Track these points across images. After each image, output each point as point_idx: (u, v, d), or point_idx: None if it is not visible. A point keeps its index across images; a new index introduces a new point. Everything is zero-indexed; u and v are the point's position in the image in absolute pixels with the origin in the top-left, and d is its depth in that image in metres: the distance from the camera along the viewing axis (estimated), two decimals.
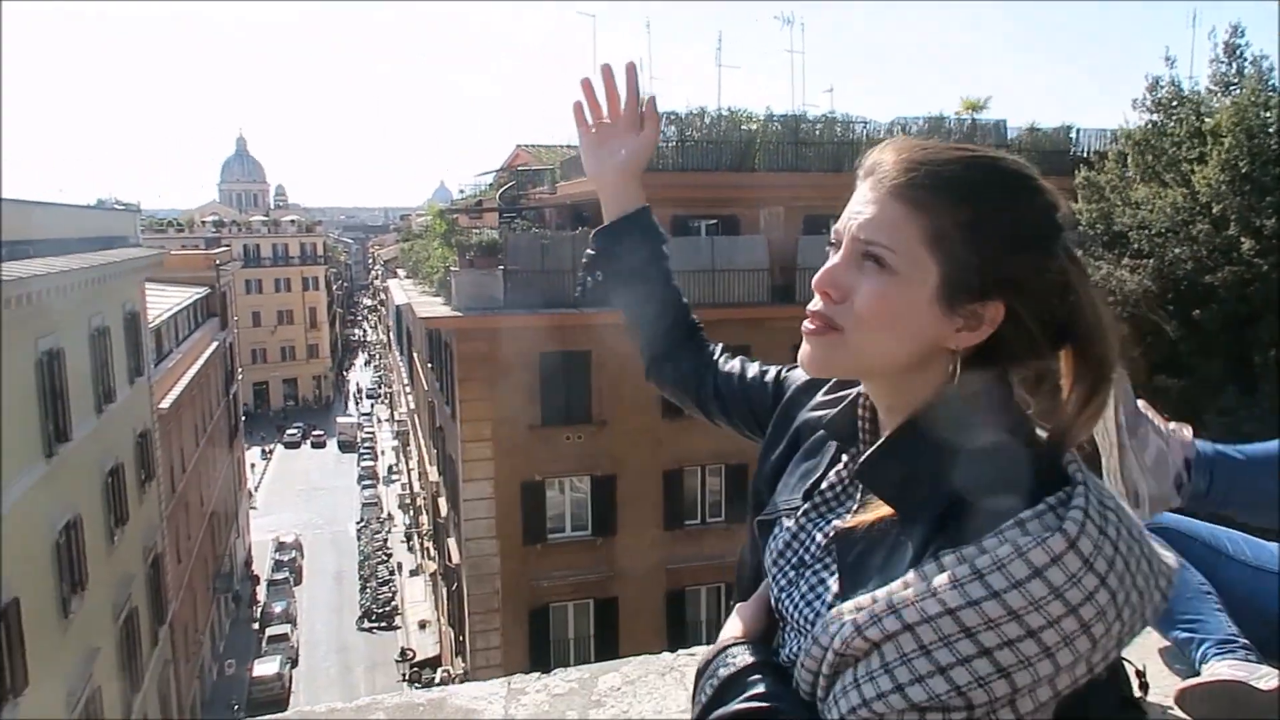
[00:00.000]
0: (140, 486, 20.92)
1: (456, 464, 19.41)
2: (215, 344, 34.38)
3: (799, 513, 1.06)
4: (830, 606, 0.93)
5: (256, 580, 42.18)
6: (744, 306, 19.85)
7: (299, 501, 54.83)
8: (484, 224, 24.05)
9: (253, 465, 56.01)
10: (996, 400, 0.93)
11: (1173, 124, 16.86)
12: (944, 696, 0.80)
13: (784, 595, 1.02)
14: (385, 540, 46.97)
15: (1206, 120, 16.15)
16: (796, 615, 0.99)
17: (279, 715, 1.96)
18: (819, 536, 1.02)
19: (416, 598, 36.44)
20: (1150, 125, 17.47)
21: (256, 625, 37.39)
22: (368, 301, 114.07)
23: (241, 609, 38.35)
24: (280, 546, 45.48)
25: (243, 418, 47.41)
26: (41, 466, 14.34)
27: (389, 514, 50.92)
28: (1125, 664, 2.21)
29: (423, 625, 33.47)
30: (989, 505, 0.85)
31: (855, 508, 1.01)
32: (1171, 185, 16.45)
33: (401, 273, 33.98)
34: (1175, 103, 17.04)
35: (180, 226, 69.44)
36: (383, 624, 37.80)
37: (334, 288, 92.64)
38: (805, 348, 0.98)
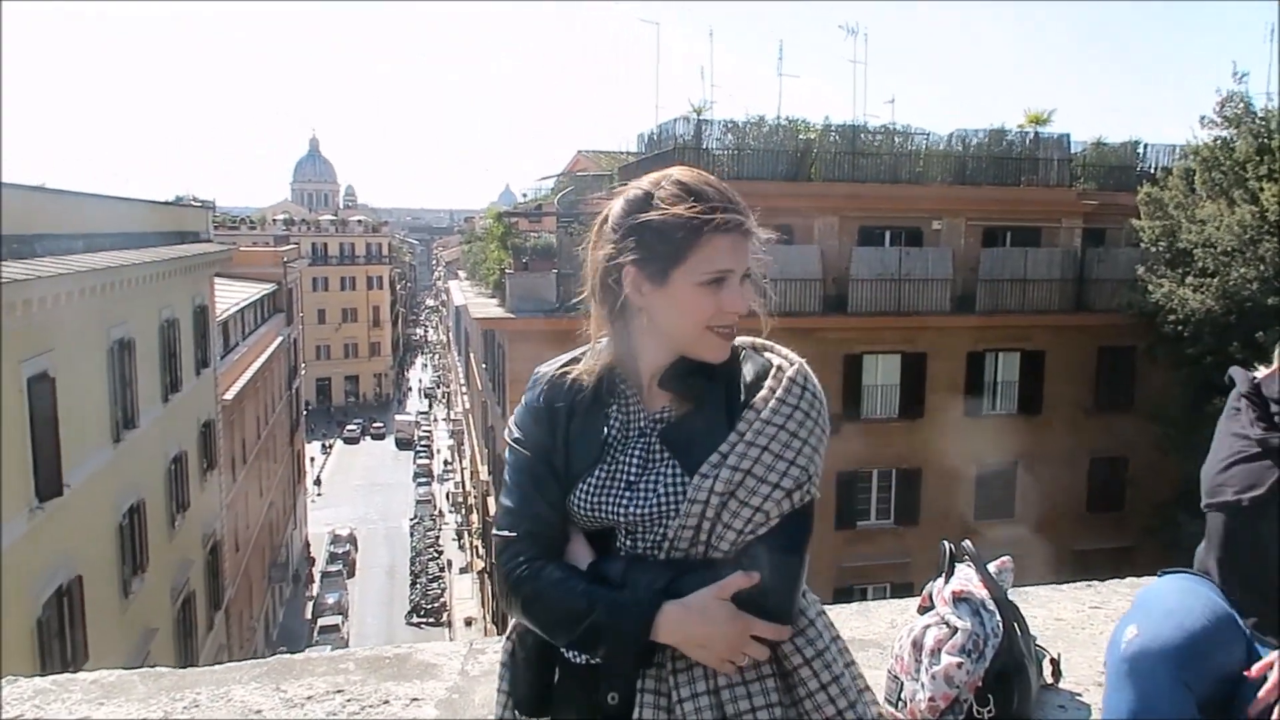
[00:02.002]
0: (202, 475, 21.59)
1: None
2: (280, 339, 35.27)
3: (606, 455, 1.41)
4: (682, 481, 1.34)
5: (311, 572, 43.11)
6: (796, 316, 19.81)
7: (356, 496, 55.90)
8: (543, 228, 24.37)
9: (312, 459, 57.25)
10: None
11: (1242, 140, 16.43)
12: (799, 477, 1.32)
13: (627, 509, 1.36)
14: (437, 537, 47.67)
15: (1277, 137, 15.72)
16: (647, 513, 1.35)
17: (260, 659, 2.11)
18: (632, 462, 1.40)
19: (464, 595, 36.94)
20: (1219, 141, 17.05)
21: (309, 615, 38.24)
22: (430, 302, 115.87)
23: (295, 598, 39.24)
24: (336, 539, 46.44)
25: (304, 412, 48.50)
26: (109, 451, 14.93)
27: (441, 511, 51.65)
28: (1041, 651, 2.30)
29: (469, 623, 33.91)
30: (746, 374, 1.41)
31: (655, 415, 1.42)
32: (1239, 203, 16.04)
33: (462, 274, 34.54)
34: (1245, 119, 16.61)
35: (253, 224, 71.36)
36: (431, 619, 38.36)
37: (398, 287, 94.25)
38: (723, 344, 1.39)
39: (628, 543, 1.37)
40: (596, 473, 1.39)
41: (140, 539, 16.45)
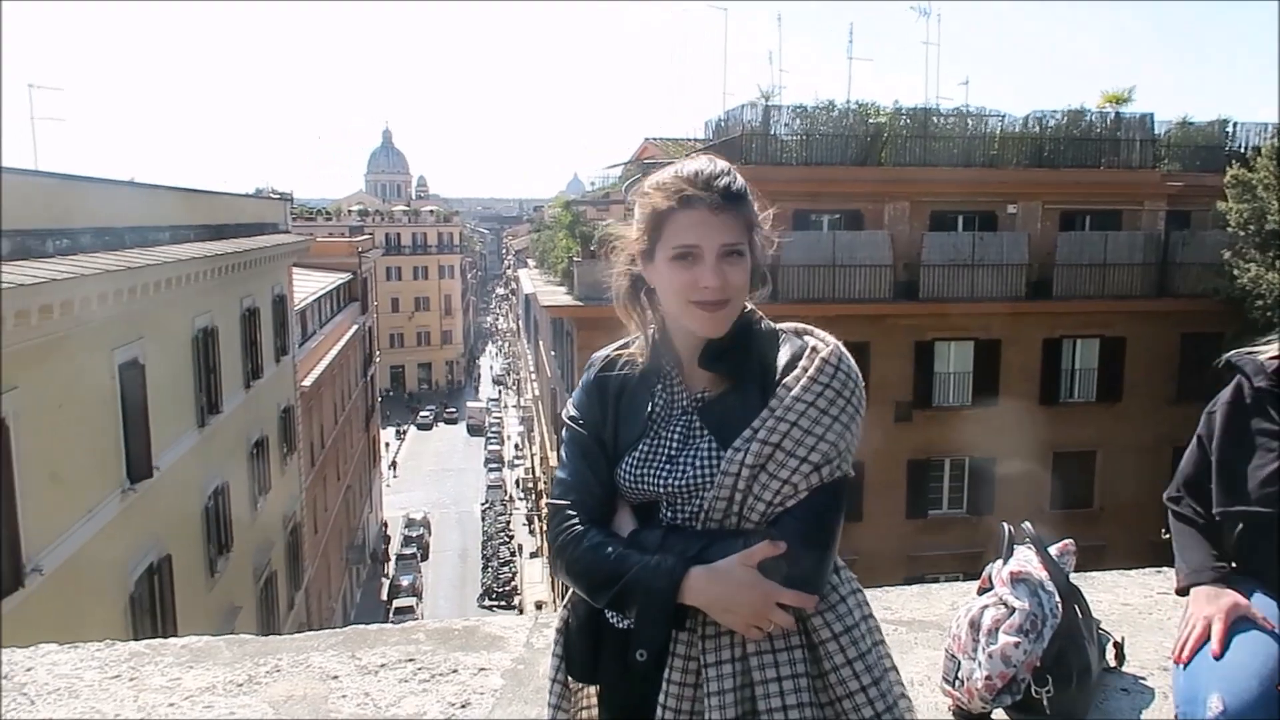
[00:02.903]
0: (283, 459, 22.27)
1: None
2: (355, 327, 36.10)
3: (649, 431, 1.51)
4: (717, 456, 1.42)
5: (387, 553, 44.15)
6: (865, 303, 19.61)
7: (429, 481, 56.99)
8: (610, 216, 24.49)
9: (387, 444, 58.53)
10: (754, 310, 1.54)
11: None
12: (828, 452, 1.38)
13: (668, 481, 1.45)
14: (508, 522, 48.36)
15: None
16: (686, 485, 1.43)
17: (337, 630, 2.22)
18: (673, 437, 1.48)
19: (535, 579, 37.46)
20: None
21: (385, 596, 39.18)
22: (500, 290, 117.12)
23: (372, 580, 40.24)
24: (410, 523, 47.47)
25: (379, 398, 49.60)
26: (195, 435, 15.52)
27: (511, 496, 52.37)
28: (1105, 634, 2.29)
29: (539, 606, 34.36)
30: (783, 356, 1.46)
31: (697, 395, 1.50)
32: None
33: (531, 263, 34.88)
34: None
35: (329, 215, 73.02)
36: (502, 603, 39.00)
37: (469, 276, 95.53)
38: (708, 318, 1.44)
39: (668, 514, 1.45)
40: (640, 447, 1.48)
41: (225, 520, 17.07)
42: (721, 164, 1.47)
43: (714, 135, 23.58)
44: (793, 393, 1.38)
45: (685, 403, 1.50)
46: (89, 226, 12.64)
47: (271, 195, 38.30)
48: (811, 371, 1.39)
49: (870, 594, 2.88)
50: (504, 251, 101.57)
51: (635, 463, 1.47)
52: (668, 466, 1.44)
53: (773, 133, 20.33)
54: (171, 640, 2.14)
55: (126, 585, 12.42)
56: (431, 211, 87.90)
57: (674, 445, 1.46)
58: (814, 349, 1.43)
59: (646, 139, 31.11)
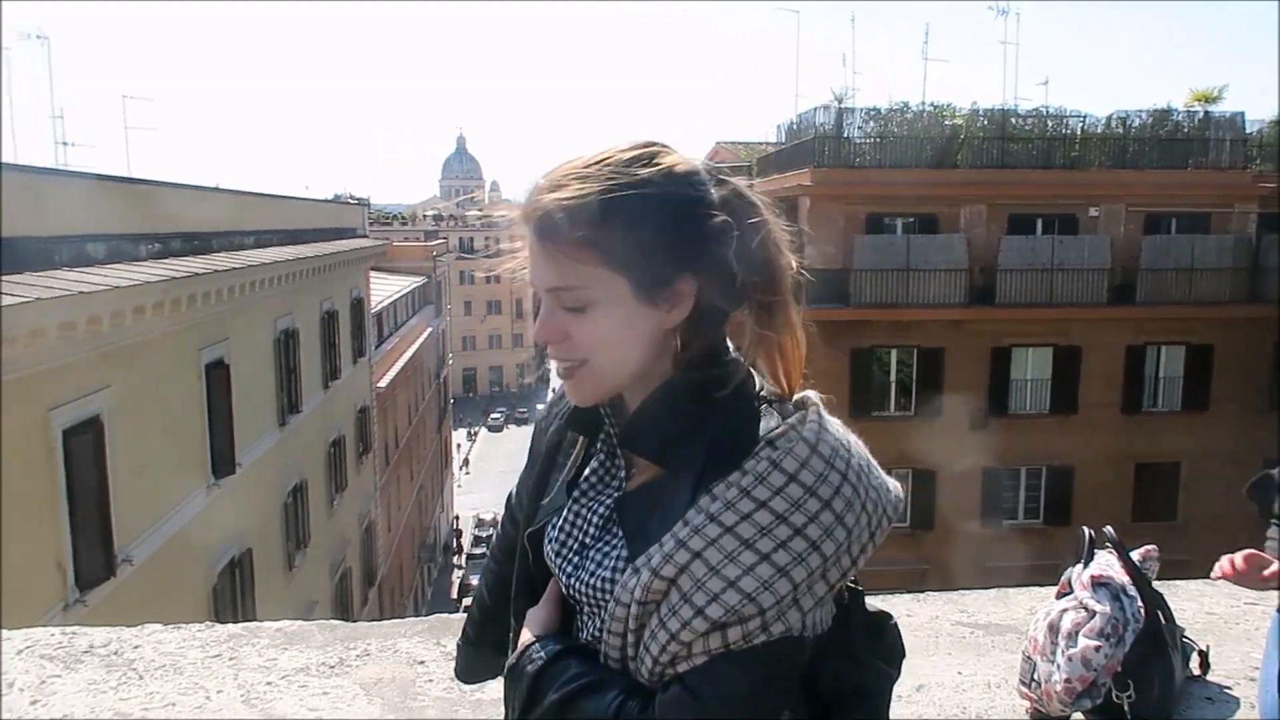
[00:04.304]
0: (358, 458, 22.81)
1: None
2: (429, 330, 36.77)
3: (570, 503, 1.11)
4: (623, 567, 0.99)
5: (459, 546, 44.87)
6: (940, 308, 19.31)
7: (499, 482, 57.68)
8: None
9: (458, 445, 59.44)
10: (722, 359, 1.05)
11: None
12: (737, 607, 0.90)
13: (574, 580, 1.05)
14: None
15: None
16: (590, 593, 1.03)
17: (422, 618, 2.30)
18: (594, 518, 1.08)
19: None
20: None
21: (455, 595, 39.80)
22: None
23: (443, 578, 40.91)
24: (480, 523, 48.15)
25: (451, 400, 50.42)
26: (276, 434, 16.00)
27: None
28: (1189, 643, 2.24)
29: None
30: (740, 440, 0.97)
31: (624, 479, 1.08)
32: None
33: None
34: None
35: (404, 220, 74.55)
36: None
37: None
38: (567, 387, 1.08)
39: (581, 622, 1.07)
40: (562, 518, 1.11)
41: (302, 517, 17.55)
42: (569, 167, 1.02)
43: (785, 138, 23.47)
44: (710, 508, 0.93)
45: (618, 480, 1.09)
46: (179, 231, 13.15)
47: (350, 201, 39.29)
48: (747, 479, 0.93)
49: (946, 596, 2.88)
50: None
51: (552, 538, 1.11)
52: (577, 559, 1.07)
53: (846, 135, 20.15)
54: (266, 624, 2.25)
55: (210, 577, 12.86)
56: (504, 215, 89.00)
57: (591, 531, 1.07)
58: (779, 439, 0.96)
59: (717, 143, 31.11)
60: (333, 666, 2.06)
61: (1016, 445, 19.61)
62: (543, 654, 1.04)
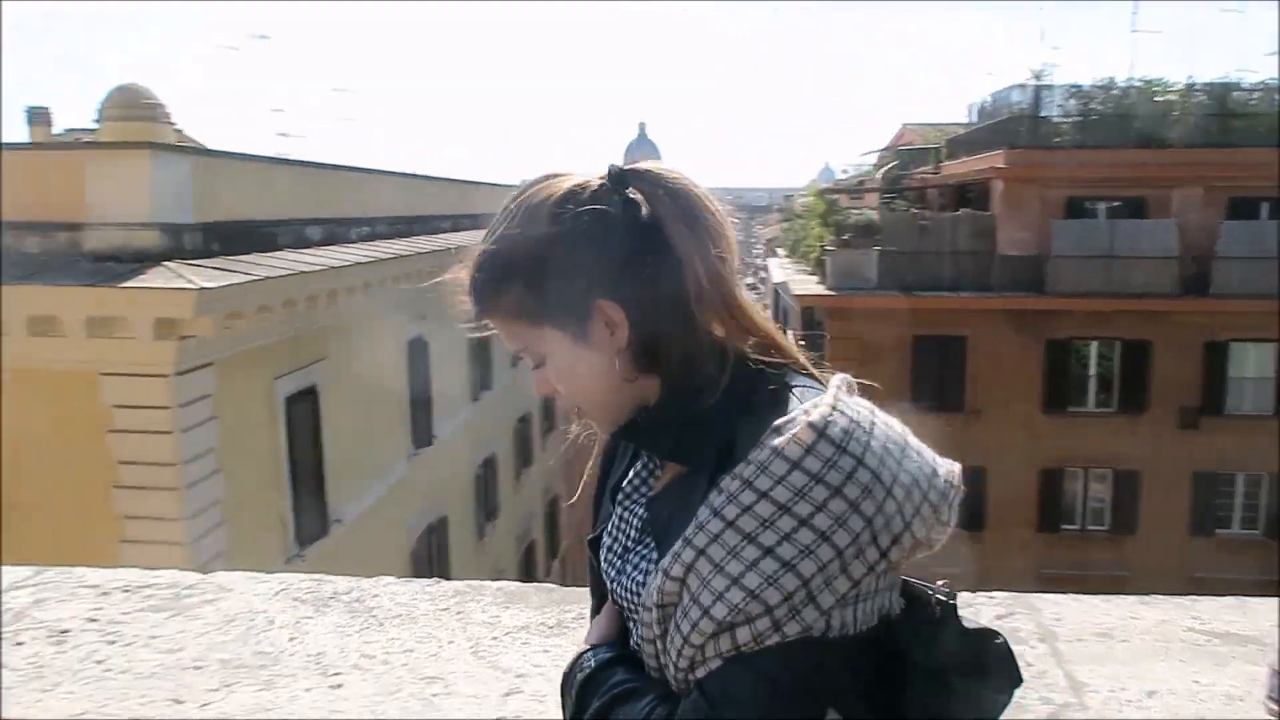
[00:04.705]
0: (543, 435, 23.64)
1: None
2: None
3: (615, 509, 1.09)
4: (650, 571, 0.96)
5: None
6: (1146, 298, 17.95)
7: None
8: (864, 204, 23.95)
9: None
10: (705, 352, 0.98)
11: None
12: (742, 605, 0.84)
13: (616, 586, 1.04)
14: None
15: None
16: (628, 598, 1.01)
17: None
18: (635, 521, 1.05)
19: None
20: None
21: None
22: (748, 280, 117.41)
23: None
24: None
25: None
26: (469, 409, 16.81)
27: None
28: None
29: None
30: (754, 430, 0.90)
31: (657, 477, 1.06)
32: None
33: (781, 252, 34.77)
34: None
35: None
36: None
37: None
38: (595, 426, 1.08)
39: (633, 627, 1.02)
40: (611, 524, 1.10)
41: (492, 489, 18.37)
42: (480, 252, 1.02)
43: (978, 119, 22.43)
44: (715, 502, 0.88)
45: (653, 483, 1.07)
46: (384, 215, 14.00)
47: None
48: (749, 469, 0.88)
49: (1174, 600, 2.69)
50: (753, 240, 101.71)
51: (604, 545, 1.10)
52: (620, 563, 1.05)
53: (1044, 114, 19.03)
54: (488, 583, 2.38)
55: (409, 541, 13.67)
56: None
57: (632, 534, 1.05)
58: (786, 424, 0.89)
59: (904, 125, 30.12)
60: (551, 627, 2.15)
61: (1234, 448, 18.02)
62: (592, 662, 1.03)
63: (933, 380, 18.37)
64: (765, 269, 54.30)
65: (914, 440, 0.95)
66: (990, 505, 18.41)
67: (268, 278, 8.41)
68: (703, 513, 0.88)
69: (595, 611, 1.14)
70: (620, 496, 1.09)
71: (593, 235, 0.95)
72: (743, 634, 0.85)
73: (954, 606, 0.99)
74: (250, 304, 8.55)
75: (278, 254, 9.85)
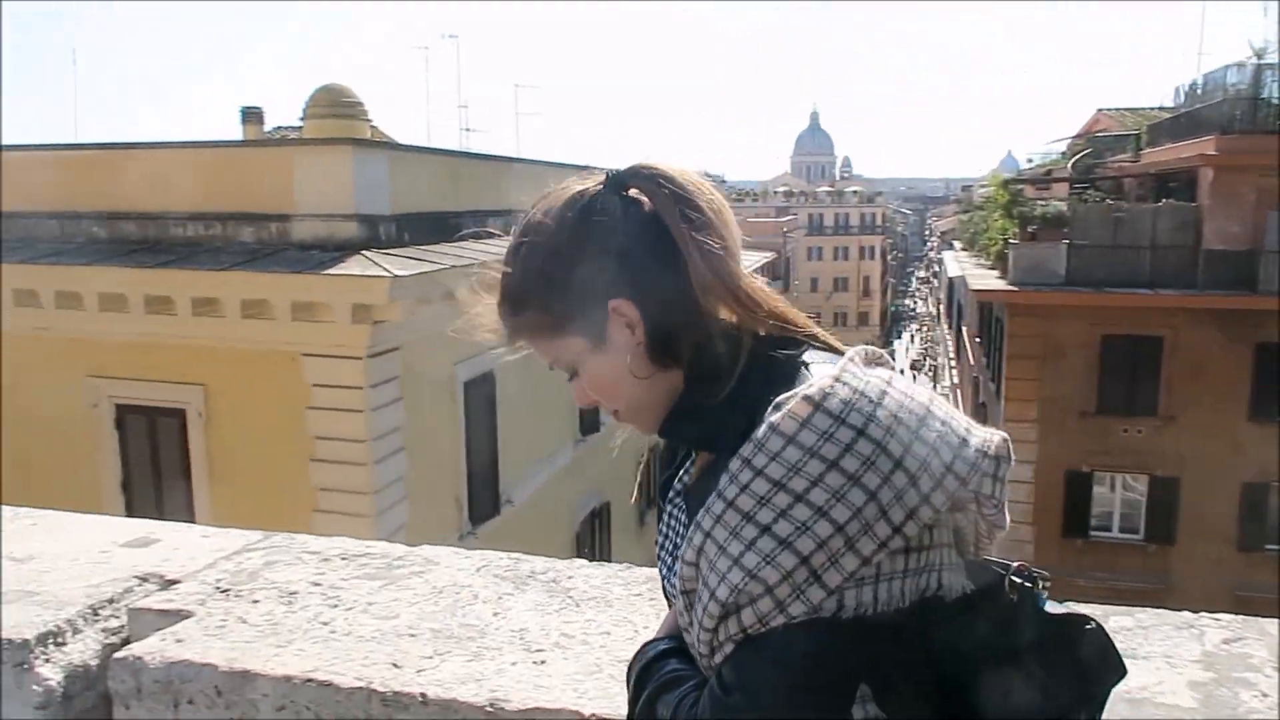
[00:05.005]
0: None
1: None
2: None
3: (667, 505, 1.10)
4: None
5: None
6: None
7: None
8: (1051, 195, 22.70)
9: None
10: (718, 339, 0.99)
11: None
12: (741, 585, 0.82)
13: (667, 585, 1.05)
14: None
15: None
16: (672, 590, 0.99)
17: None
18: (681, 516, 1.05)
19: None
20: None
21: None
22: (920, 274, 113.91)
23: None
24: None
25: None
26: None
27: None
28: None
29: None
30: (765, 409, 0.88)
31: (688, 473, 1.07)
32: None
33: (958, 244, 33.51)
34: None
35: (755, 196, 75.94)
36: None
37: (888, 258, 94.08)
38: (637, 429, 1.07)
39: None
40: (663, 521, 1.10)
41: (653, 477, 18.58)
42: (496, 271, 1.03)
43: (1185, 102, 20.81)
44: (720, 484, 0.87)
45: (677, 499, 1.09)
46: None
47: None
48: (749, 447, 0.86)
49: None
50: (927, 233, 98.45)
51: (658, 545, 1.11)
52: (670, 559, 1.04)
53: (1265, 95, 17.44)
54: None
55: (573, 524, 14.05)
56: (855, 192, 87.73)
57: (682, 527, 1.04)
58: (786, 400, 0.87)
59: (1099, 110, 28.34)
60: None
61: None
62: (651, 653, 1.03)
63: (1123, 382, 17.28)
64: (939, 262, 52.45)
65: (941, 409, 0.89)
66: (1183, 519, 17.17)
67: (454, 266, 8.80)
68: (710, 496, 0.87)
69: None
70: (671, 494, 1.10)
71: (597, 238, 0.97)
72: (747, 616, 0.83)
73: (1033, 591, 0.91)
74: (436, 291, 8.99)
75: (465, 244, 10.30)
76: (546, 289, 0.98)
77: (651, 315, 0.97)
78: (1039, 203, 20.57)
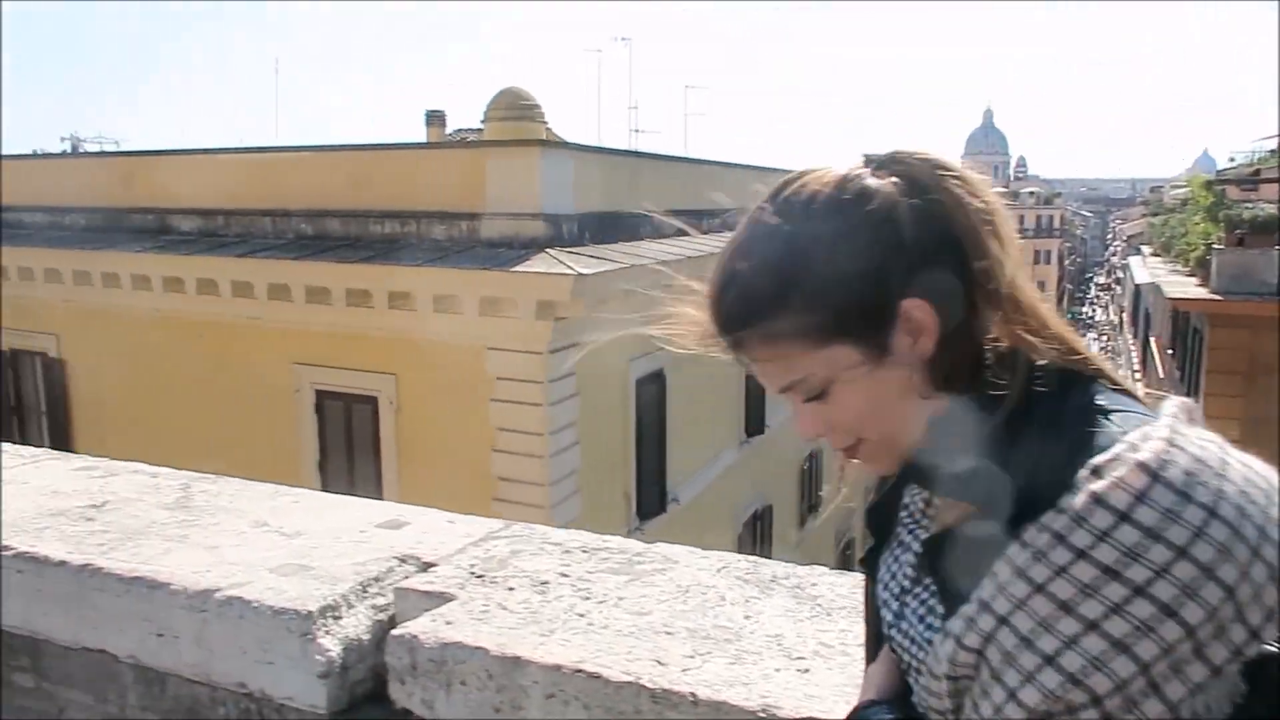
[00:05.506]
0: None
1: None
2: None
3: (892, 539, 0.97)
4: (935, 622, 0.85)
5: None
6: None
7: None
8: (1259, 197, 20.94)
9: None
10: (993, 360, 0.84)
11: None
12: (1060, 692, 0.67)
13: (894, 632, 0.92)
14: None
15: None
16: (909, 651, 0.88)
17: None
18: (908, 557, 0.92)
19: None
20: None
21: None
22: (1101, 279, 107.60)
23: None
24: None
25: None
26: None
27: None
28: None
29: None
30: (1061, 467, 0.72)
31: (932, 513, 0.92)
32: None
33: (1147, 249, 31.48)
34: None
35: None
36: None
37: (1065, 263, 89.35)
38: (863, 466, 0.95)
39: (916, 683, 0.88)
40: (889, 552, 0.98)
41: (814, 482, 18.35)
42: (716, 268, 0.89)
43: None
44: (1018, 560, 0.71)
45: (915, 534, 0.95)
46: (732, 207, 14.35)
47: None
48: (1062, 520, 0.70)
49: None
50: (1109, 236, 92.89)
51: (880, 576, 0.99)
52: (897, 604, 0.93)
53: None
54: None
55: (736, 526, 14.02)
56: (1031, 193, 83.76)
57: (909, 573, 0.93)
58: (1112, 461, 0.70)
59: None
60: None
61: None
62: None
63: None
64: (1124, 268, 49.31)
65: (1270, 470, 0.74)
66: None
67: (634, 265, 8.94)
68: (1002, 570, 0.72)
69: (871, 642, 1.03)
70: (899, 526, 0.98)
71: (880, 228, 0.82)
72: None
73: None
74: (615, 289, 9.15)
75: (639, 243, 10.44)
76: (820, 284, 0.82)
77: (944, 323, 0.83)
78: (1245, 205, 19.02)
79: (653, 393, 10.89)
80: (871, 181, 0.84)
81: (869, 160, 0.87)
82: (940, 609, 0.84)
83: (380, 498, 9.20)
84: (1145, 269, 25.44)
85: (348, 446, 9.89)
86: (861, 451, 0.90)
